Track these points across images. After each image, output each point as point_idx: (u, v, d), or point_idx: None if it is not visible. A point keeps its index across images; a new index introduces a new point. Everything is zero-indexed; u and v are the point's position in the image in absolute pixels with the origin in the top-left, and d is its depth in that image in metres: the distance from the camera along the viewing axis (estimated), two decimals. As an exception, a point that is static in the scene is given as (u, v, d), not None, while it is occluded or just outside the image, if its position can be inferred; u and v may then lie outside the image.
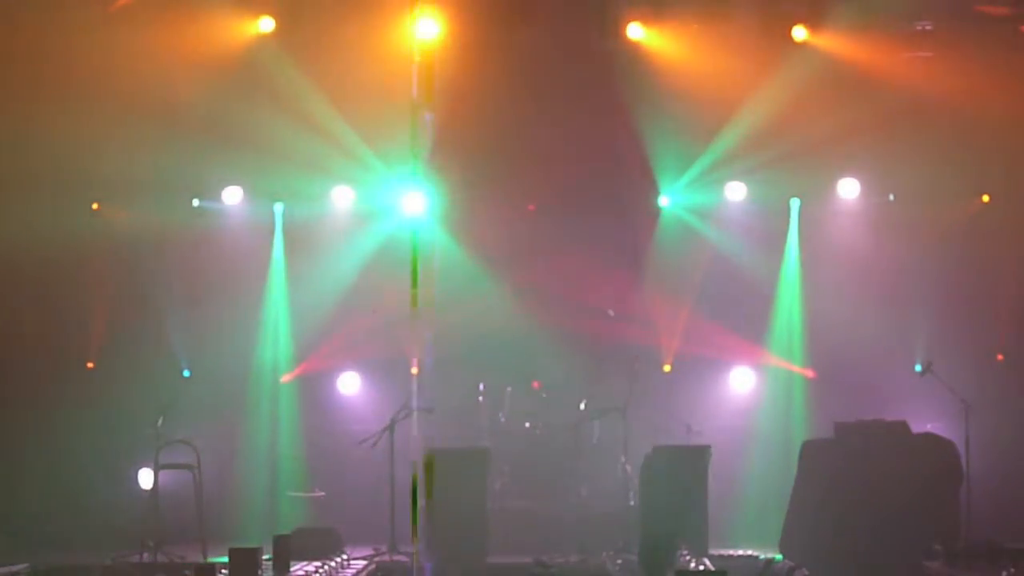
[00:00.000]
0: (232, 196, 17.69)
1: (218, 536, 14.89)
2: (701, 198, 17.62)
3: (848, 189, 17.67)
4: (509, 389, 16.97)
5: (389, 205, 17.55)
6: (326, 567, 13.17)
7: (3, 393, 16.52)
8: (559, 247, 17.30)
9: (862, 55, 16.79)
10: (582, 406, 16.71)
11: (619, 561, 14.54)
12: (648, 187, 17.52)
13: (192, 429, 15.63)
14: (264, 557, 12.67)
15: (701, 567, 13.32)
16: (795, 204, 17.65)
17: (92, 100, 16.54)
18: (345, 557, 14.13)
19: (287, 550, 12.98)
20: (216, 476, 15.78)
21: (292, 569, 12.90)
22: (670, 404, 17.04)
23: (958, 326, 17.09)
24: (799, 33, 16.76)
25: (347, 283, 17.38)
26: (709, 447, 15.23)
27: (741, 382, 17.73)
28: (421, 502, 15.18)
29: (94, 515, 16.17)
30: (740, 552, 15.24)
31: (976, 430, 15.19)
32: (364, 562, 14.40)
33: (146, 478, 15.78)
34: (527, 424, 16.84)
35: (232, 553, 12.33)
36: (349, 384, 17.75)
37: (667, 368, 17.52)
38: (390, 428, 15.38)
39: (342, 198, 17.71)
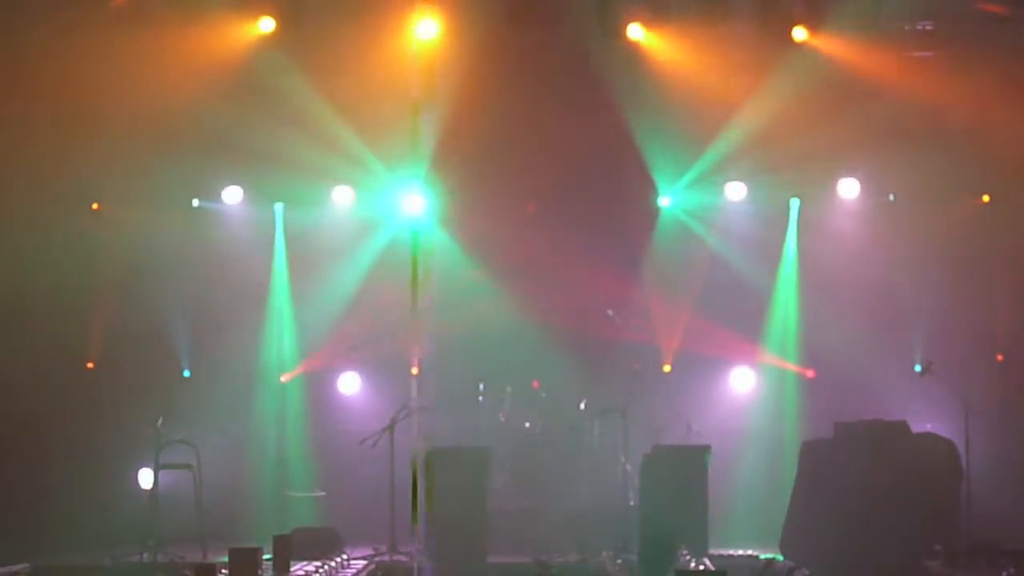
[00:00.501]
0: (232, 196, 17.69)
1: (218, 536, 14.88)
2: (701, 198, 17.62)
3: (848, 189, 17.67)
4: (509, 389, 16.97)
5: (389, 205, 17.55)
6: (326, 567, 13.16)
7: (3, 393, 16.50)
8: (559, 247, 17.29)
9: (862, 55, 16.79)
10: (582, 406, 16.71)
11: (619, 561, 14.53)
12: (647, 187, 17.51)
13: (192, 429, 15.63)
14: (264, 557, 12.67)
15: (701, 567, 13.31)
16: (795, 204, 17.65)
17: (93, 101, 16.54)
18: (345, 557, 14.13)
19: (287, 550, 12.98)
20: (216, 476, 15.78)
21: (292, 569, 12.89)
22: (670, 404, 17.04)
23: (958, 326, 17.09)
24: (799, 34, 16.76)
25: (347, 283, 17.39)
26: (709, 447, 15.23)
27: (741, 382, 17.74)
28: (421, 502, 15.20)
29: (94, 515, 16.16)
30: (740, 552, 15.24)
31: (976, 430, 15.18)
32: (364, 562, 14.40)
33: (146, 478, 15.78)
34: (527, 424, 16.83)
35: (232, 553, 12.32)
36: (349, 384, 17.76)
37: (667, 368, 17.52)
38: (390, 428, 15.38)
39: (342, 198, 17.70)
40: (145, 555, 14.69)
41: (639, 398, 16.14)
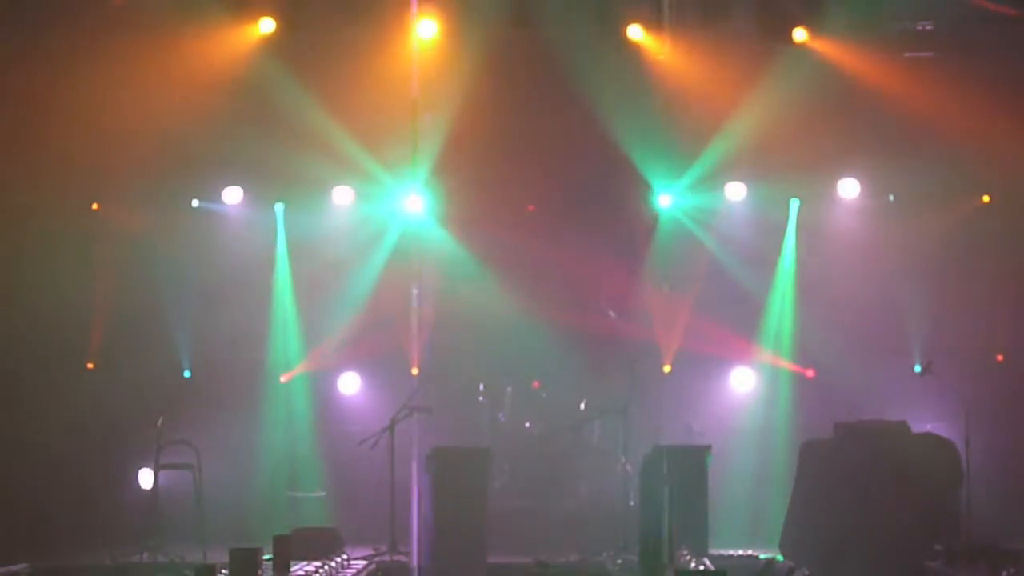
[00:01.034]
0: (232, 196, 17.69)
1: (218, 536, 14.88)
2: (701, 199, 17.62)
3: (848, 189, 17.67)
4: (509, 389, 16.98)
5: (390, 206, 17.55)
6: (326, 567, 13.16)
7: (3, 393, 16.50)
8: (559, 247, 17.29)
9: (862, 56, 16.79)
10: (582, 406, 16.71)
11: (619, 561, 14.53)
12: (647, 187, 17.50)
13: (192, 429, 15.63)
14: (264, 557, 12.66)
15: (701, 567, 13.31)
16: (794, 204, 17.65)
17: (93, 101, 16.55)
18: (345, 557, 14.13)
19: (287, 550, 12.97)
20: (216, 476, 15.78)
21: (292, 569, 12.88)
22: (670, 404, 17.04)
23: (958, 326, 17.09)
24: (799, 35, 16.75)
25: (347, 283, 17.38)
26: (709, 447, 15.23)
27: (741, 382, 17.73)
28: (421, 502, 15.21)
29: (94, 515, 16.16)
30: (740, 552, 15.24)
31: (976, 430, 15.18)
32: (364, 562, 14.40)
33: (146, 478, 15.79)
34: (527, 424, 16.83)
35: (232, 553, 12.31)
36: (349, 384, 17.75)
37: (667, 369, 17.51)
38: (390, 428, 15.38)
39: (342, 198, 17.70)
40: (145, 555, 14.69)
41: (639, 398, 16.14)
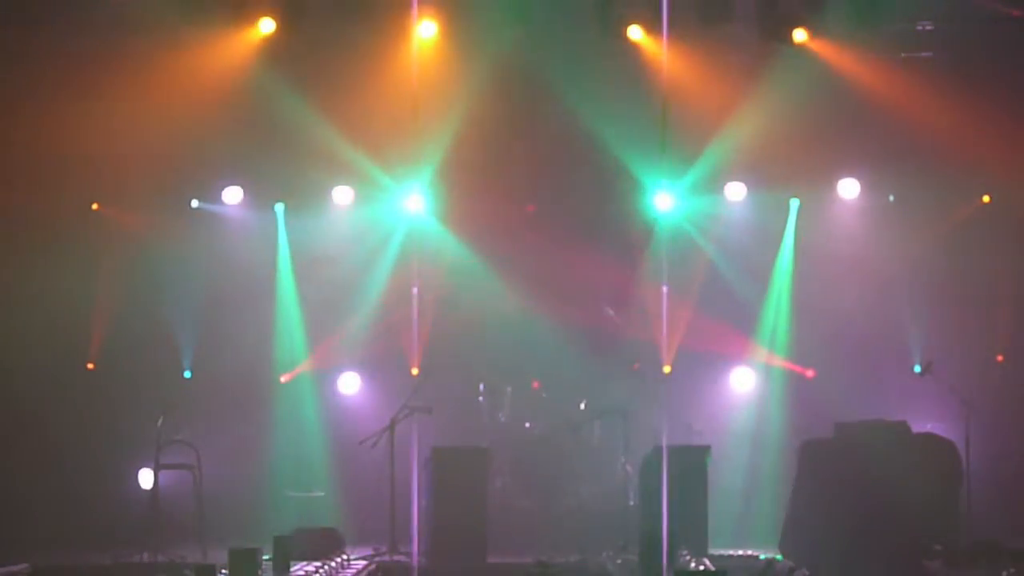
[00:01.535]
0: (232, 196, 17.69)
1: (218, 536, 14.88)
2: (701, 199, 17.62)
3: (848, 189, 17.67)
4: (509, 389, 16.98)
5: (390, 205, 17.55)
6: (326, 567, 13.16)
7: (3, 393, 16.51)
8: (559, 247, 17.29)
9: (862, 56, 16.79)
10: (582, 406, 16.71)
11: (619, 561, 14.53)
12: (646, 187, 17.49)
13: (192, 429, 15.63)
14: (264, 557, 12.66)
15: (701, 567, 13.31)
16: (794, 204, 17.65)
17: (94, 101, 16.56)
18: (345, 557, 14.13)
19: (287, 550, 12.97)
20: (216, 476, 15.78)
21: (292, 569, 12.89)
22: (670, 404, 17.03)
23: (958, 326, 17.09)
24: (799, 35, 16.75)
25: (347, 283, 17.38)
26: (709, 447, 15.23)
27: (741, 382, 17.73)
28: (421, 502, 15.22)
29: (94, 515, 16.17)
30: (740, 552, 15.24)
31: (976, 430, 15.19)
32: (364, 562, 14.40)
33: (146, 478, 15.79)
34: (527, 424, 16.83)
35: (232, 553, 12.32)
36: (349, 384, 17.75)
37: (667, 369, 17.50)
38: (390, 428, 15.38)
39: (342, 198, 17.71)
40: (145, 555, 14.69)
41: (639, 398, 16.13)
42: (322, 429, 17.49)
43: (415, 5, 16.57)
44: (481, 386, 17.02)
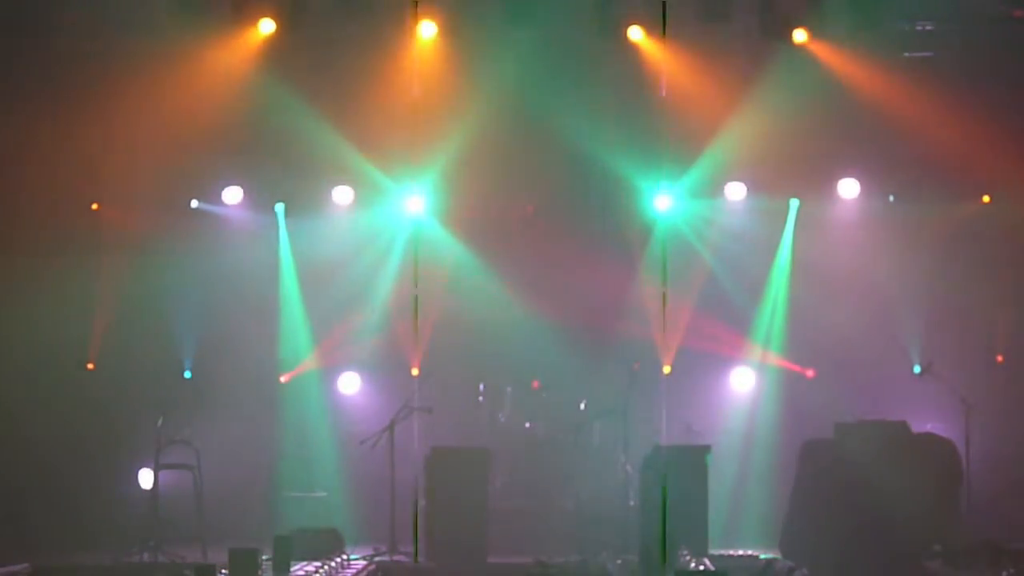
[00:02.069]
0: (232, 196, 17.69)
1: (218, 536, 14.87)
2: (701, 199, 17.62)
3: (848, 189, 17.67)
4: (509, 389, 16.97)
5: (390, 205, 17.55)
6: (326, 567, 13.16)
7: (3, 393, 16.51)
8: (559, 247, 17.29)
9: (862, 56, 16.78)
10: (582, 406, 16.71)
11: (619, 561, 14.53)
12: (646, 187, 17.49)
13: (192, 429, 15.63)
14: (263, 557, 12.66)
15: (701, 567, 13.31)
16: (794, 204, 17.65)
17: (94, 101, 16.57)
18: (345, 557, 14.13)
19: (287, 550, 12.97)
20: (216, 476, 15.77)
21: (292, 569, 12.88)
22: (670, 404, 17.04)
23: (958, 327, 17.09)
24: (799, 36, 16.75)
25: (347, 283, 17.38)
26: (709, 447, 15.23)
27: (741, 382, 17.73)
28: (421, 502, 15.22)
29: (94, 515, 16.17)
30: (740, 552, 15.24)
31: (976, 430, 15.19)
32: (364, 562, 14.40)
33: (146, 478, 15.79)
34: (527, 424, 16.83)
35: (232, 553, 12.31)
36: (349, 384, 17.75)
37: (667, 370, 17.50)
38: (390, 428, 15.39)
39: (342, 198, 17.71)
40: (145, 555, 14.69)
41: (639, 398, 16.14)
42: (322, 429, 17.48)
43: (415, 5, 16.57)
44: (481, 386, 17.02)
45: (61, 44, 16.68)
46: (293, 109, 16.72)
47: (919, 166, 17.08)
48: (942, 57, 16.97)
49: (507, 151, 17.20)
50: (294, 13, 16.69)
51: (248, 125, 16.86)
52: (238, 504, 16.39)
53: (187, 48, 16.60)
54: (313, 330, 17.57)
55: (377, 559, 14.77)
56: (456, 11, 16.74)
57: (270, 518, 15.97)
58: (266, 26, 16.73)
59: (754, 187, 17.62)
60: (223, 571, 12.23)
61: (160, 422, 15.30)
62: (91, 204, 17.44)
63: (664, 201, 17.56)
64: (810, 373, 17.53)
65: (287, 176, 17.47)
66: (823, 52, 16.82)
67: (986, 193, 17.45)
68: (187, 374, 17.47)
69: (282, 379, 17.59)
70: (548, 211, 17.63)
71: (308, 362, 17.61)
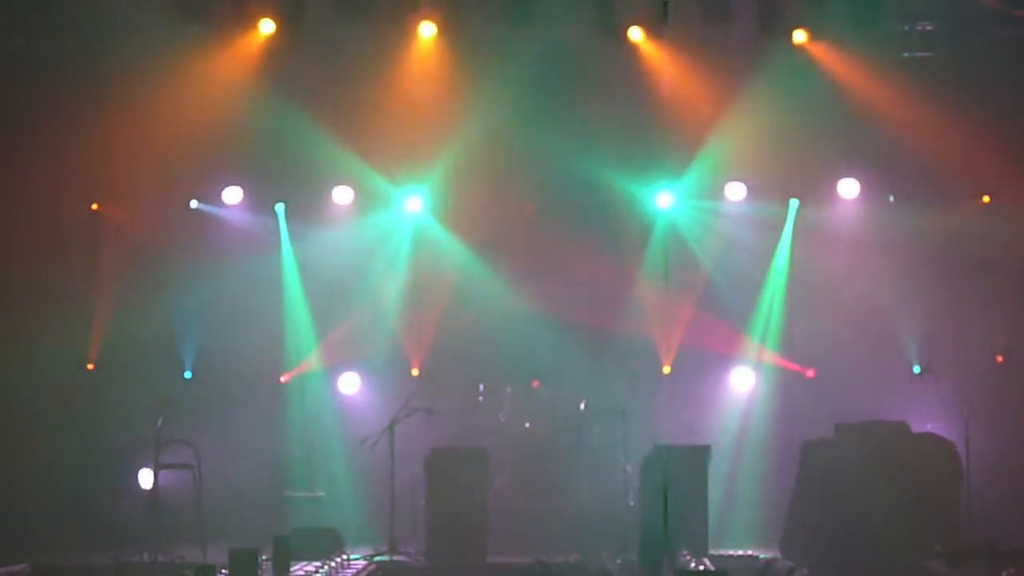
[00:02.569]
0: (232, 196, 17.69)
1: (218, 536, 14.87)
2: (701, 198, 17.62)
3: (848, 189, 17.67)
4: (509, 389, 16.98)
5: (389, 205, 17.55)
6: (326, 567, 13.16)
7: (3, 393, 16.51)
8: (558, 246, 17.29)
9: (862, 56, 16.79)
10: (582, 406, 16.71)
11: (619, 561, 14.53)
12: (646, 186, 17.50)
13: (192, 429, 15.63)
14: (263, 557, 12.65)
15: (701, 567, 13.31)
16: (793, 204, 17.64)
17: (94, 101, 16.58)
18: (345, 557, 14.13)
19: (287, 550, 12.97)
20: (216, 476, 15.78)
21: (292, 569, 12.88)
22: (670, 404, 17.04)
23: (958, 327, 17.09)
24: (799, 36, 16.75)
25: (347, 283, 17.38)
26: (709, 447, 15.23)
27: (741, 382, 17.73)
28: (421, 502, 15.22)
29: (94, 515, 16.17)
30: (740, 552, 15.24)
31: (976, 430, 15.19)
32: (364, 562, 14.40)
33: (146, 478, 15.78)
34: (527, 424, 16.84)
35: (232, 553, 12.31)
36: (349, 384, 17.75)
37: (667, 370, 17.50)
38: (390, 428, 15.39)
39: (342, 198, 17.71)
40: (145, 555, 14.69)
41: (639, 398, 16.14)
42: (322, 429, 17.48)
43: (415, 6, 16.58)
44: (481, 386, 17.02)
45: (62, 44, 16.68)
46: (293, 109, 16.73)
47: (919, 166, 17.07)
48: (942, 57, 16.97)
49: (507, 151, 17.19)
50: (294, 14, 16.69)
51: (248, 125, 16.85)
52: (238, 504, 16.39)
53: (187, 48, 16.63)
54: (313, 330, 17.56)
55: (377, 559, 14.76)
56: (456, 11, 16.73)
57: (270, 518, 15.96)
58: (266, 27, 16.73)
59: (754, 187, 17.63)
60: (223, 571, 12.23)
61: (160, 422, 15.30)
62: (91, 204, 17.43)
63: (664, 201, 17.57)
64: (810, 373, 17.53)
65: (287, 176, 17.47)
66: (823, 52, 16.83)
67: (986, 193, 17.45)
68: (187, 374, 17.46)
69: (282, 379, 17.59)
70: (548, 211, 17.61)
71: (308, 362, 17.61)
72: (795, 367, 17.56)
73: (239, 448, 16.80)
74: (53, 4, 16.60)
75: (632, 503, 15.67)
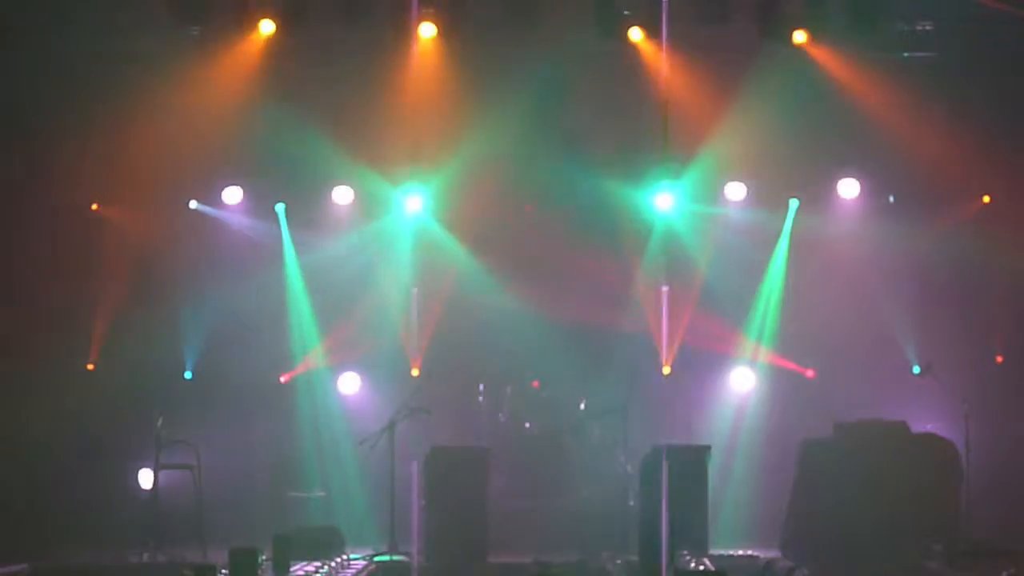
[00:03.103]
0: (232, 197, 17.69)
1: (218, 536, 14.88)
2: (701, 199, 17.62)
3: (848, 189, 17.67)
4: (509, 389, 16.98)
5: (389, 205, 17.55)
6: (326, 567, 13.17)
7: (3, 393, 16.51)
8: (557, 246, 17.30)
9: (862, 56, 16.79)
10: (582, 406, 16.71)
11: (619, 561, 14.53)
12: (646, 186, 17.50)
13: (192, 429, 15.63)
14: (263, 557, 12.66)
15: (701, 567, 13.31)
16: (793, 204, 17.64)
17: (94, 102, 16.58)
18: (345, 557, 14.13)
19: (287, 550, 12.97)
20: (216, 476, 15.77)
21: (292, 569, 12.89)
22: (670, 404, 17.04)
23: (958, 327, 17.09)
24: (799, 36, 16.75)
25: (347, 283, 17.38)
26: (709, 447, 15.23)
27: (741, 381, 17.73)
28: (421, 502, 15.22)
29: (94, 515, 16.17)
30: (740, 552, 15.24)
31: (976, 430, 15.19)
32: (364, 562, 14.40)
33: (146, 478, 15.79)
34: (527, 424, 16.84)
35: (232, 553, 12.32)
36: (349, 384, 17.75)
37: (667, 370, 17.49)
38: (390, 428, 15.39)
39: (342, 198, 17.71)
40: (145, 555, 14.69)
41: (639, 397, 16.14)
42: (322, 429, 17.48)
43: (415, 6, 16.58)
44: (481, 386, 17.02)
45: (62, 45, 16.67)
46: (293, 109, 16.73)
47: (919, 166, 17.07)
48: (942, 57, 16.97)
49: (507, 151, 17.19)
50: (294, 14, 16.69)
51: (248, 125, 16.85)
52: (238, 504, 16.39)
53: (188, 49, 16.63)
54: (314, 330, 17.56)
55: (377, 559, 14.76)
56: (456, 12, 16.73)
57: (270, 518, 15.96)
58: (266, 27, 16.73)
59: (754, 187, 17.62)
60: (223, 571, 12.24)
61: (160, 422, 15.30)
62: (91, 204, 17.43)
63: (664, 201, 17.56)
64: (810, 373, 17.53)
65: (287, 176, 17.47)
66: (822, 53, 16.82)
67: (986, 193, 17.45)
68: (188, 374, 17.46)
69: (282, 379, 17.58)
70: (548, 211, 17.61)
71: (308, 362, 17.61)
72: (795, 367, 17.57)
73: (239, 448, 16.81)
74: (53, 6, 16.59)
75: (632, 503, 15.67)
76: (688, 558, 13.62)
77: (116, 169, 17.04)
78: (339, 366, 17.65)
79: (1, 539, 15.21)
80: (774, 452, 16.64)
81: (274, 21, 16.72)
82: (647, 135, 17.07)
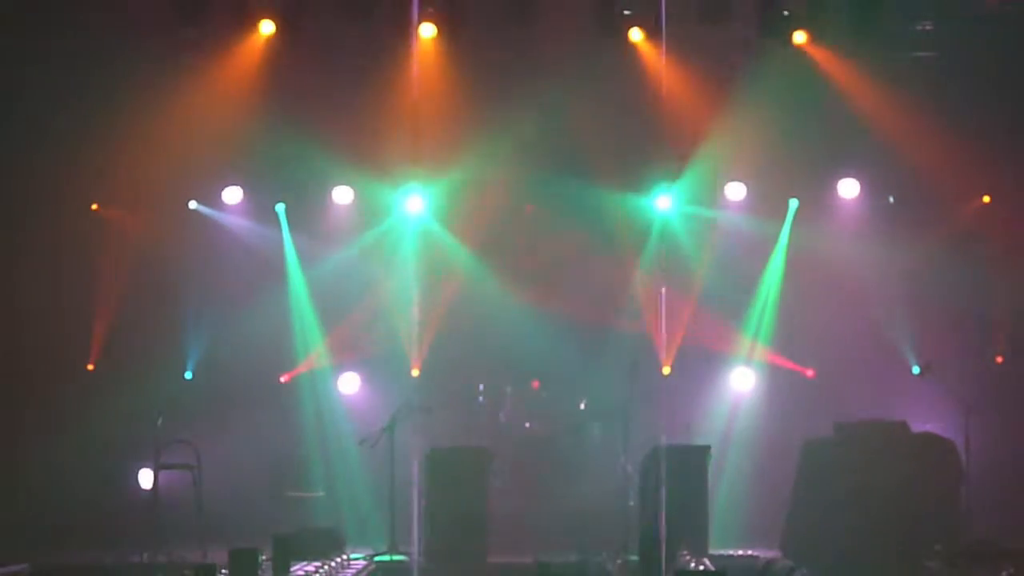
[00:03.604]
0: (232, 197, 17.70)
1: (218, 536, 14.87)
2: (700, 198, 17.63)
3: (848, 189, 17.68)
4: (509, 389, 16.98)
5: (389, 205, 17.56)
6: (326, 567, 13.17)
7: (4, 393, 16.51)
8: (558, 246, 17.30)
9: (862, 56, 16.79)
10: (582, 406, 16.72)
11: (619, 561, 14.53)
12: (646, 186, 17.51)
13: (192, 429, 15.63)
14: (263, 557, 12.65)
15: (701, 567, 13.31)
16: (793, 204, 17.65)
17: (94, 102, 16.59)
18: (345, 557, 14.13)
19: (287, 550, 12.97)
20: (216, 476, 15.77)
21: (292, 569, 12.89)
22: (670, 404, 17.03)
23: (958, 327, 17.09)
24: (799, 36, 16.75)
25: (347, 283, 17.39)
26: (709, 447, 15.23)
27: (741, 381, 17.73)
28: (421, 502, 15.22)
29: (94, 515, 16.17)
30: (740, 552, 15.24)
31: (976, 430, 15.19)
32: (364, 562, 14.40)
33: (146, 478, 15.79)
34: (527, 424, 16.84)
35: (232, 553, 12.32)
36: (349, 384, 17.75)
37: (666, 370, 17.50)
38: (390, 428, 15.39)
39: (342, 198, 17.72)
40: (145, 555, 14.69)
41: (638, 397, 16.14)
42: (322, 429, 17.49)
43: (415, 6, 16.58)
44: (481, 386, 17.03)
45: (63, 45, 16.68)
46: (293, 109, 16.74)
47: (919, 166, 17.07)
48: (943, 57, 16.97)
49: (507, 151, 17.19)
50: (294, 14, 16.70)
51: (248, 126, 16.84)
52: (238, 504, 16.38)
53: (188, 49, 16.63)
54: (314, 330, 17.56)
55: (377, 559, 14.77)
56: (456, 12, 16.74)
57: (270, 518, 15.96)
58: (266, 27, 16.74)
59: (754, 187, 17.63)
60: (223, 571, 12.23)
61: (160, 422, 15.30)
62: (91, 205, 17.44)
63: (663, 201, 17.57)
64: (810, 373, 17.54)
65: (287, 176, 17.48)
66: (822, 53, 16.82)
67: (986, 193, 17.45)
68: (188, 374, 17.46)
69: (282, 379, 17.59)
70: (547, 211, 17.62)
71: (308, 362, 17.61)
72: (795, 367, 17.57)
73: (239, 448, 16.80)
74: (54, 6, 16.59)
75: (632, 503, 15.67)
76: (688, 558, 13.62)
77: (116, 169, 17.03)
78: (339, 366, 17.65)
79: (1, 539, 15.23)
80: (774, 452, 16.64)
81: (274, 21, 16.72)
82: (647, 135, 17.08)
